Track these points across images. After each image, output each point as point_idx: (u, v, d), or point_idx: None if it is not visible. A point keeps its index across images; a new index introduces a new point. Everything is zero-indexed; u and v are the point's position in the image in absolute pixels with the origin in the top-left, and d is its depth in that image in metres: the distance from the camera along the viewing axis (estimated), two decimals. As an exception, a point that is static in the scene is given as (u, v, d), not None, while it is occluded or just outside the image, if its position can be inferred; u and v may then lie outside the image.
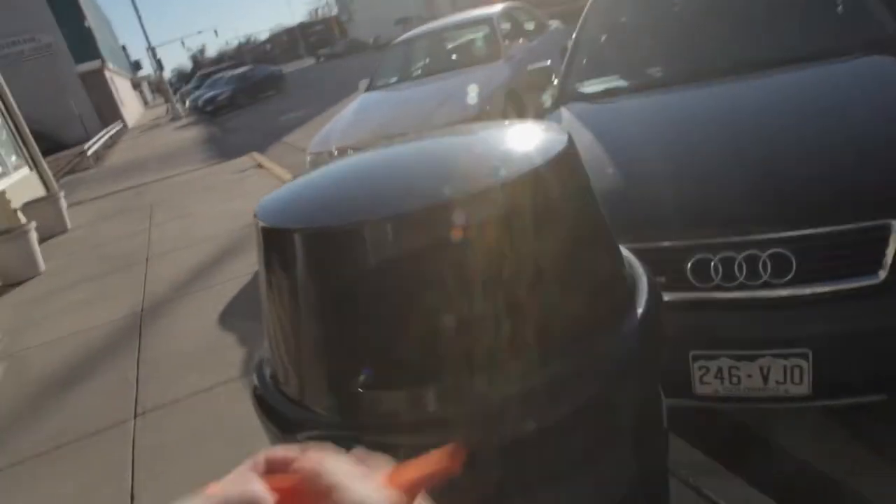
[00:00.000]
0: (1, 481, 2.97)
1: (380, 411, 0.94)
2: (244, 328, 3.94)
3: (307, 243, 0.94)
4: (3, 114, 9.72)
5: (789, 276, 1.85)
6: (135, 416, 3.23)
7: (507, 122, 1.32)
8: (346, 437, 0.92)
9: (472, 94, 5.07)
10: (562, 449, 0.91)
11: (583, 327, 0.95)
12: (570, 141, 0.98)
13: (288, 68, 42.27)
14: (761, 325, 1.89)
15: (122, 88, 40.10)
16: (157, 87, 67.82)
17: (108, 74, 33.99)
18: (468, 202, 0.86)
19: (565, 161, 0.96)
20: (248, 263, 5.07)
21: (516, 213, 0.88)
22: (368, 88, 6.55)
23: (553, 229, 0.94)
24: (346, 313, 0.93)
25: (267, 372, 1.22)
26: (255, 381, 1.26)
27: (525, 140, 1.11)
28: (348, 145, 4.95)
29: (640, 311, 1.00)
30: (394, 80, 6.52)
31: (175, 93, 46.91)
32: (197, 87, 36.50)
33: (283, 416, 1.08)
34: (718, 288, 1.91)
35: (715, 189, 2.06)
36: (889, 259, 1.81)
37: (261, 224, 1.02)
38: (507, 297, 0.87)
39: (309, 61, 62.20)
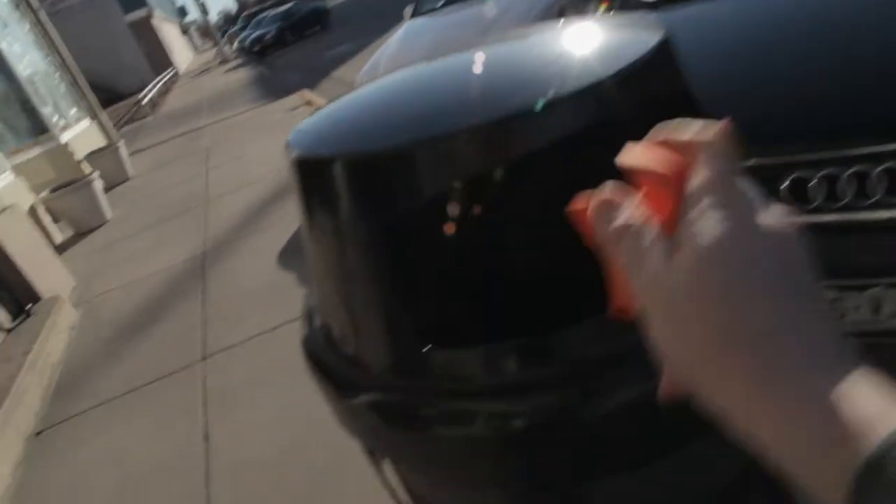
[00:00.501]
0: (83, 422, 3.08)
1: (450, 373, 0.81)
2: (303, 266, 3.92)
3: (353, 172, 0.78)
4: (61, 67, 9.86)
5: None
6: (203, 358, 3.28)
7: (584, 20, 1.12)
8: (408, 402, 0.81)
9: (523, 12, 4.75)
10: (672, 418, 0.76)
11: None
12: (667, 37, 0.79)
13: (332, 2, 41.41)
14: (873, 250, 1.67)
15: (170, 35, 40.26)
16: (205, 31, 67.88)
17: (155, 22, 34.08)
18: (552, 109, 0.69)
19: (665, 60, 0.78)
20: (304, 202, 5.02)
21: (608, 122, 0.72)
22: (414, 15, 6.27)
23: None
24: (405, 255, 0.79)
25: (317, 321, 1.11)
26: (305, 332, 1.15)
27: (611, 38, 0.93)
28: (397, 74, 4.76)
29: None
30: (440, 4, 6.21)
31: (222, 36, 46.79)
32: (243, 29, 36.29)
33: (336, 374, 0.96)
34: (821, 210, 1.70)
35: (812, 94, 1.81)
36: None
37: (295, 154, 0.86)
38: None
39: (352, -7, 60.78)
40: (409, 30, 5.80)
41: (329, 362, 0.99)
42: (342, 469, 2.14)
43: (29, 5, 9.21)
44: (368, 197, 0.78)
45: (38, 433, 3.10)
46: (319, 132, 0.95)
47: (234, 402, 2.85)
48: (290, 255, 4.21)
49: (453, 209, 0.72)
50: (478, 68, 0.96)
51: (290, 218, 4.82)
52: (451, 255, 0.75)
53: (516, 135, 0.71)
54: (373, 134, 0.87)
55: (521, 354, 0.77)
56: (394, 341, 0.85)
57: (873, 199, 1.62)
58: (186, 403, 2.94)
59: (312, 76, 13.00)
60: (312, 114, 1.07)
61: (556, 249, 0.70)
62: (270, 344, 3.21)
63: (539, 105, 0.67)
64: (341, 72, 12.27)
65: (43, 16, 9.61)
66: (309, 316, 1.15)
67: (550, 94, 0.69)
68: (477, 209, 0.73)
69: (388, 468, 1.07)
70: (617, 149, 0.45)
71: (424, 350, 0.80)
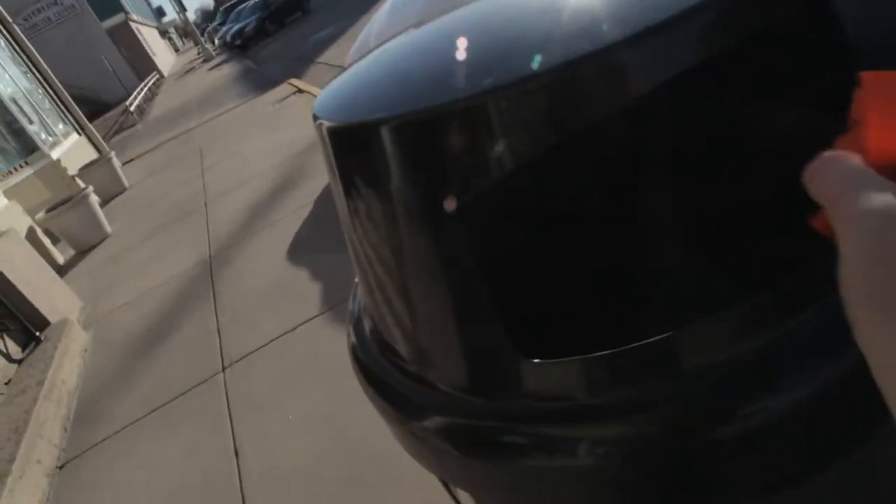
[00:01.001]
0: (106, 449, 2.96)
1: (544, 391, 0.63)
2: (314, 261, 3.76)
3: (425, 136, 0.58)
4: (42, 84, 9.63)
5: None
6: (223, 369, 3.14)
7: None
8: (488, 426, 0.64)
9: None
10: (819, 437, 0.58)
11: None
12: None
13: (308, -14, 40.65)
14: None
15: (151, 38, 39.72)
16: (185, 30, 67.08)
17: (133, 26, 33.58)
18: (663, 41, 0.50)
19: None
20: (306, 193, 4.85)
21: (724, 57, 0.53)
22: (397, -14, 6.01)
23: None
24: (490, 242, 0.61)
25: (366, 327, 0.94)
26: (353, 339, 0.96)
27: None
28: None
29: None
30: (423, -29, 5.95)
31: (203, 33, 46.19)
32: (222, 24, 35.76)
33: (396, 394, 0.80)
34: None
35: None
36: None
37: (327, 125, 0.68)
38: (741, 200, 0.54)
39: (328, -25, 59.73)
40: (395, 3, 5.55)
41: (386, 376, 0.84)
42: (381, 472, 2.00)
43: (0, 22, 8.97)
44: (444, 167, 0.58)
45: (61, 466, 2.98)
46: (355, 95, 0.74)
47: (261, 411, 2.71)
48: (298, 250, 4.05)
49: (552, 180, 0.54)
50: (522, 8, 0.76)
51: (293, 213, 4.65)
52: (549, 240, 0.57)
53: (640, 70, 0.50)
54: (437, 84, 0.64)
55: (634, 363, 0.59)
56: (471, 352, 0.68)
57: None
58: (212, 418, 2.81)
59: (298, 64, 12.73)
60: (331, 81, 0.88)
61: (683, 229, 0.53)
62: (290, 346, 3.06)
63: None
64: (327, 56, 11.98)
65: (17, 31, 9.36)
66: (357, 318, 0.98)
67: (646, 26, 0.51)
68: (584, 179, 0.55)
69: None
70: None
71: (512, 362, 0.63)
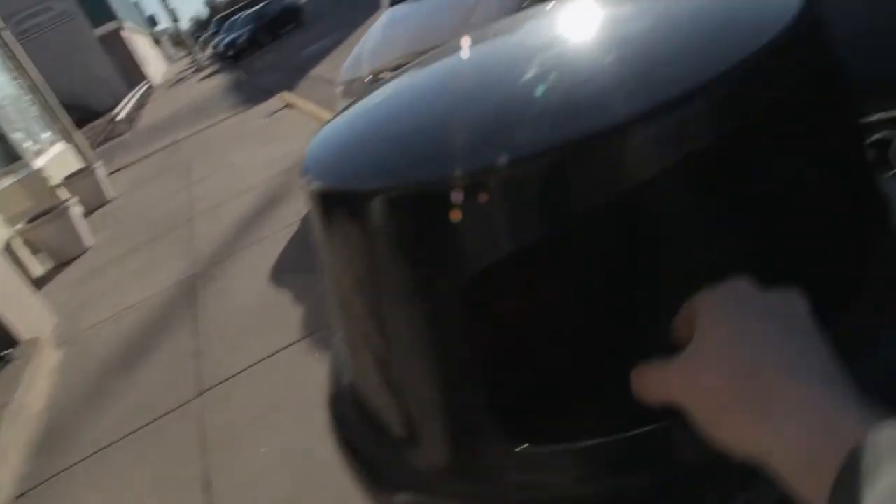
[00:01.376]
0: (70, 479, 2.80)
1: (529, 480, 0.58)
2: (299, 282, 3.64)
3: (422, 209, 0.54)
4: (31, 89, 9.48)
5: None
6: (199, 394, 3.00)
7: None
8: None
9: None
10: None
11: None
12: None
13: (303, -1, 40.90)
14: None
15: (142, 47, 39.61)
16: (177, 39, 67.12)
17: (126, 34, 33.48)
18: (678, 109, 0.46)
19: (809, 31, 0.53)
20: (294, 210, 4.74)
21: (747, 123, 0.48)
22: (392, 2, 5.95)
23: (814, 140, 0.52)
24: (482, 319, 0.56)
25: (346, 384, 0.86)
26: (332, 391, 0.91)
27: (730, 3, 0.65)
28: (381, 67, 4.47)
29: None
30: (419, -13, 5.90)
31: (195, 42, 46.17)
32: (216, 33, 35.75)
33: (371, 461, 0.75)
34: None
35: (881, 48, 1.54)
36: None
37: (316, 186, 0.63)
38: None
39: (323, -11, 60.06)
40: (389, 18, 5.49)
41: (362, 441, 0.78)
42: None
43: (-10, 27, 8.83)
44: (441, 244, 0.53)
45: (21, 495, 2.82)
46: (346, 154, 0.69)
47: (236, 441, 2.57)
48: (285, 269, 3.94)
49: (549, 264, 0.48)
50: (532, 59, 0.68)
51: (281, 230, 4.53)
52: (543, 325, 0.54)
53: (649, 148, 0.48)
54: (436, 155, 0.59)
55: (624, 454, 0.55)
56: (456, 432, 0.63)
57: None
58: (183, 448, 2.67)
59: (291, 76, 12.66)
60: (319, 132, 0.80)
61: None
62: (271, 372, 2.93)
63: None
64: (320, 69, 11.93)
65: (9, 36, 9.22)
66: (336, 376, 0.92)
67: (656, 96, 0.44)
68: (582, 264, 0.48)
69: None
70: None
71: (498, 447, 0.59)
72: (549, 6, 0.88)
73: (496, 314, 0.57)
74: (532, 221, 0.49)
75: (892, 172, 1.45)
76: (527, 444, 0.57)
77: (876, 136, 1.42)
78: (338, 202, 0.62)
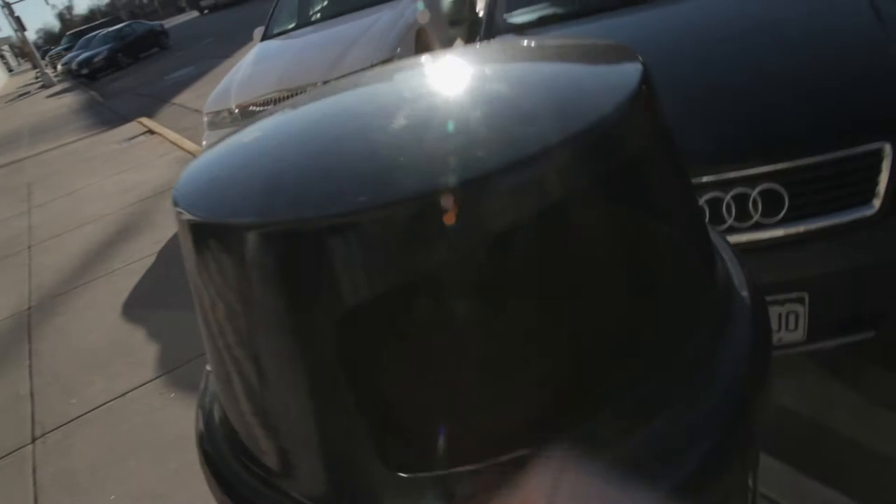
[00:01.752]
0: None
1: None
2: (153, 318, 3.47)
3: (296, 245, 0.57)
4: None
5: (781, 214, 1.67)
6: (33, 440, 2.75)
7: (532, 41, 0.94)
8: None
9: (381, 35, 4.62)
10: None
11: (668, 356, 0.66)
12: (645, 69, 0.64)
13: (170, 23, 39.21)
14: (755, 269, 1.70)
15: (-20, 56, 35.94)
16: (22, 50, 61.59)
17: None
18: (520, 174, 0.53)
19: (644, 101, 0.63)
20: (150, 241, 4.52)
21: (584, 190, 0.56)
22: (264, 37, 5.93)
23: (645, 207, 0.62)
24: (356, 349, 0.59)
25: (216, 414, 0.86)
26: (201, 427, 0.89)
27: (579, 72, 0.76)
28: (249, 101, 4.46)
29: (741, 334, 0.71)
30: (292, 25, 5.93)
31: (44, 56, 42.59)
32: (68, 49, 33.25)
33: (247, 501, 0.74)
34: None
35: (693, 123, 1.80)
36: (882, 187, 1.66)
37: (189, 217, 0.64)
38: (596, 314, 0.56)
39: (192, 14, 57.92)
40: (260, 53, 5.46)
41: (235, 477, 0.77)
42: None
43: None
44: (315, 279, 0.56)
45: None
46: (223, 189, 0.70)
47: (77, 491, 2.39)
48: (136, 306, 3.73)
49: (423, 297, 0.53)
50: (399, 112, 0.76)
51: (134, 263, 4.30)
52: (419, 355, 0.57)
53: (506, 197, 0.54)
54: (309, 195, 0.63)
55: (499, 479, 0.58)
56: (333, 462, 0.64)
57: (753, 221, 1.66)
58: (13, 501, 2.43)
59: (151, 102, 12.07)
60: (192, 163, 0.82)
61: (548, 349, 0.55)
62: (120, 413, 2.76)
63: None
64: (184, 97, 11.47)
65: None
66: (205, 403, 0.91)
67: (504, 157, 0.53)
68: (453, 292, 0.55)
69: None
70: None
71: (371, 474, 0.61)
72: (419, 61, 0.98)
73: (370, 347, 0.60)
74: (400, 263, 0.54)
75: (721, 227, 1.71)
76: (402, 472, 0.60)
77: (707, 196, 1.69)
78: (212, 234, 0.63)
